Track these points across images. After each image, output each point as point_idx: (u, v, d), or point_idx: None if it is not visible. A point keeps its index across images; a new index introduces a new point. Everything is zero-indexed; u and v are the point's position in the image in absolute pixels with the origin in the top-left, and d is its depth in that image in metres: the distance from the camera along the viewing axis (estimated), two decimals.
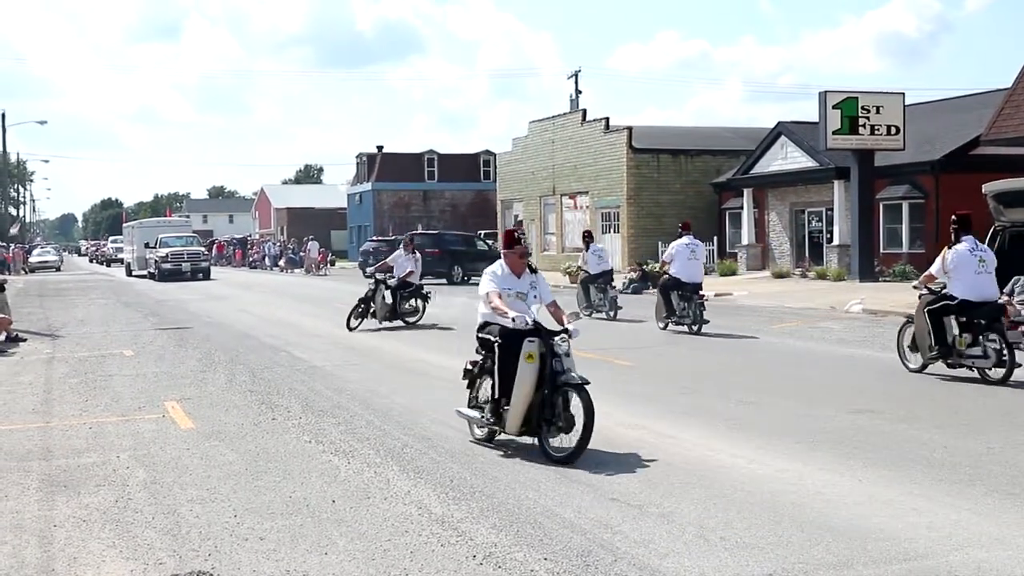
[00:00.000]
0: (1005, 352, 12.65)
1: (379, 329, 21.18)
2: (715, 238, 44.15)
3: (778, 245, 41.33)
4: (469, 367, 9.79)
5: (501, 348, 9.19)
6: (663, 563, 6.17)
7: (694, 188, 46.88)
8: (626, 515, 7.16)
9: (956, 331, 13.09)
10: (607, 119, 49.08)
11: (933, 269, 13.60)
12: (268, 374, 14.74)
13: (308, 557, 6.39)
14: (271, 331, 21.00)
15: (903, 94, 34.40)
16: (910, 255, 34.50)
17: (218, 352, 17.53)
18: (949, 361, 13.25)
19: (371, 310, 21.67)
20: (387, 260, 23.44)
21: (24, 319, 24.25)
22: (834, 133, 33.00)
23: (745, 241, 41.70)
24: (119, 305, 31.12)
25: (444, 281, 32.25)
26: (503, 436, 9.43)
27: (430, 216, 73.48)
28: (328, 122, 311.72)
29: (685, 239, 20.00)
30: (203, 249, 54.73)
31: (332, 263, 62.74)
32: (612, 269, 24.82)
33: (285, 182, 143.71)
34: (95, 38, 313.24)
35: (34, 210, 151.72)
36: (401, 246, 23.59)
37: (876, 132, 33.35)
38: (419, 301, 22.44)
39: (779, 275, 37.03)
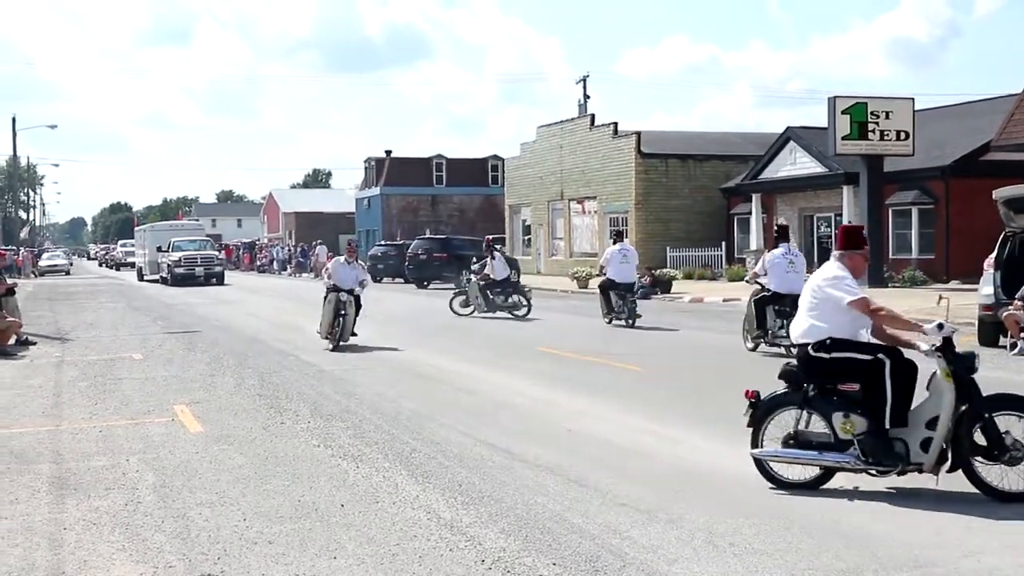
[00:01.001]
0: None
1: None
2: (723, 243, 44.12)
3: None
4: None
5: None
6: (672, 569, 6.16)
7: (703, 193, 46.87)
8: (635, 520, 7.15)
9: (773, 317, 16.54)
10: (615, 124, 49.10)
11: (757, 268, 17.50)
12: (277, 378, 14.77)
13: (317, 561, 6.40)
14: (280, 335, 21.03)
15: (912, 99, 34.36)
16: (919, 261, 34.45)
17: (227, 356, 17.57)
18: (767, 340, 16.71)
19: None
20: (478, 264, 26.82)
21: (34, 323, 24.32)
22: (843, 138, 32.96)
23: (754, 246, 41.62)
24: (128, 309, 31.20)
25: (452, 286, 32.46)
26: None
27: (438, 221, 73.54)
28: (336, 126, 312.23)
29: (781, 248, 17.29)
30: (217, 253, 53.39)
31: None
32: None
33: (294, 186, 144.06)
34: (105, 42, 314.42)
35: (44, 214, 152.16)
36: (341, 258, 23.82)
37: (885, 137, 33.30)
38: (519, 296, 25.76)
39: None
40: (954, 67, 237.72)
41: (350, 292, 18.81)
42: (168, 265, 48.94)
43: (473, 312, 25.86)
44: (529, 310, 25.43)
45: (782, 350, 16.36)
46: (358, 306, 18.97)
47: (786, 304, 16.23)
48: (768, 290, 16.78)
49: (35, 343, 20.22)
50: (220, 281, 48.64)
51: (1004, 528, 6.91)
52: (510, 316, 25.30)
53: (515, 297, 25.78)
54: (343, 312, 18.60)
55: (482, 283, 25.88)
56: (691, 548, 6.54)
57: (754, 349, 17.20)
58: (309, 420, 11.31)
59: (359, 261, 20.73)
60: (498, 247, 28.93)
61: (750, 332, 17.26)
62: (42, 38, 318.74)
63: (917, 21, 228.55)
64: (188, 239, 52.08)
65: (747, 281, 17.89)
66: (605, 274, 22.68)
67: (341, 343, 18.46)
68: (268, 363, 16.56)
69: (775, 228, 17.23)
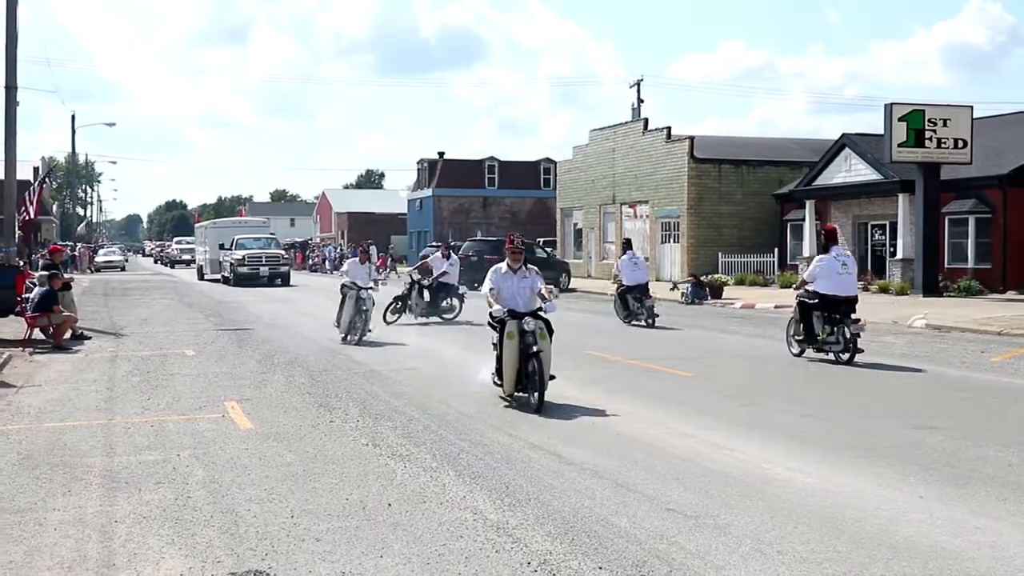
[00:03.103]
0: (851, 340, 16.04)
1: (425, 323, 23.63)
2: (776, 250, 43.78)
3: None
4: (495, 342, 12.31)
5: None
6: (719, 575, 6.12)
7: (756, 199, 46.53)
8: (682, 526, 7.10)
9: (821, 323, 16.53)
10: (669, 128, 48.88)
11: (805, 275, 17.18)
12: (326, 377, 14.85)
13: (363, 559, 6.42)
14: (330, 334, 21.12)
15: (971, 107, 33.89)
16: (975, 270, 33.96)
17: (278, 354, 17.70)
18: (814, 346, 16.69)
19: (408, 306, 24.67)
20: (426, 261, 26.39)
21: (89, 317, 24.69)
22: (899, 146, 32.58)
23: (807, 253, 41.21)
24: (181, 305, 31.56)
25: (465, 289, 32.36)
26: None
27: (489, 223, 73.68)
28: (390, 128, 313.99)
29: (832, 251, 16.80)
30: (283, 252, 49.44)
31: (394, 268, 62.71)
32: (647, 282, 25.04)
33: (347, 187, 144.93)
34: (163, 42, 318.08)
35: (101, 210, 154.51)
36: (439, 252, 26.45)
37: (943, 145, 32.86)
38: (455, 300, 25.26)
39: None
40: (1015, 75, 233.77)
41: (363, 289, 20.00)
42: (231, 264, 46.30)
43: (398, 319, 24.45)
44: (458, 314, 24.91)
45: (831, 356, 16.36)
46: (373, 302, 20.27)
47: (839, 309, 16.17)
48: (816, 295, 16.55)
49: (90, 338, 20.53)
50: (286, 282, 45.70)
51: None
52: (440, 320, 24.73)
53: (449, 301, 25.19)
54: (364, 308, 19.80)
55: (425, 282, 25.08)
56: (738, 555, 6.49)
57: (800, 354, 17.04)
58: (358, 419, 11.37)
59: (450, 257, 24.79)
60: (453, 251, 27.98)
61: (795, 336, 17.14)
62: (102, 38, 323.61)
63: (977, 28, 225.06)
64: (252, 236, 48.84)
65: (795, 288, 17.79)
66: (621, 282, 24.67)
67: (364, 338, 19.52)
68: (318, 362, 16.66)
69: (823, 231, 17.27)
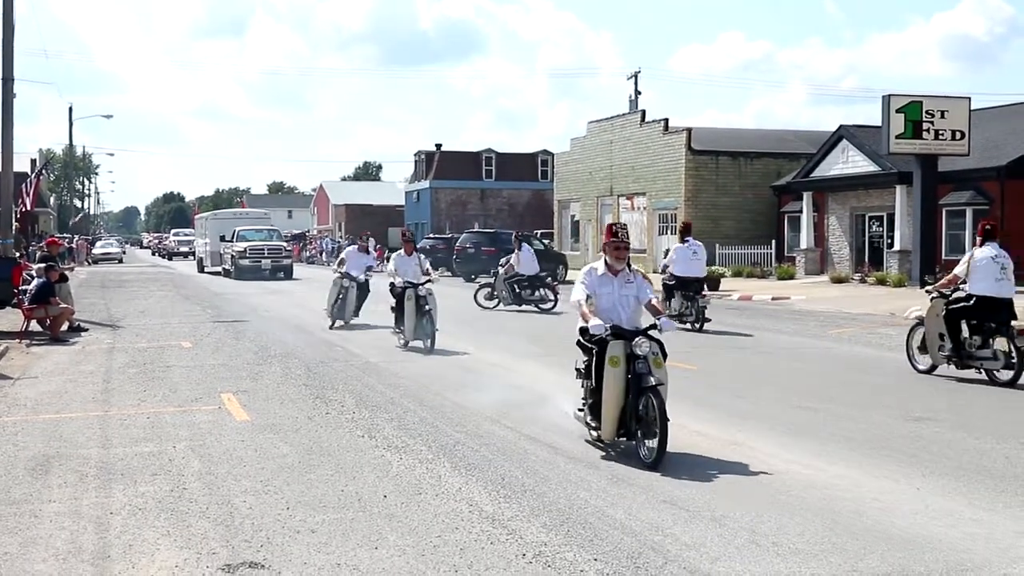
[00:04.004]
0: (1014, 355, 13.13)
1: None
2: (773, 242, 43.76)
3: (837, 249, 40.87)
4: (580, 367, 9.74)
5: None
6: (714, 567, 6.11)
7: (753, 191, 46.50)
8: (677, 518, 7.10)
9: (967, 333, 13.72)
10: (666, 120, 48.83)
11: (958, 270, 14.05)
12: (323, 369, 14.85)
13: (359, 551, 6.42)
14: (327, 326, 21.12)
15: (969, 98, 33.84)
16: None
17: (274, 346, 17.69)
18: (959, 362, 13.76)
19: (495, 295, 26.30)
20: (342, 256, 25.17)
21: (86, 309, 24.67)
22: (897, 137, 32.55)
23: (804, 245, 41.27)
24: (178, 298, 31.53)
25: (554, 280, 32.32)
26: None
27: (487, 215, 73.63)
28: (388, 119, 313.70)
29: (990, 249, 13.82)
30: (285, 244, 48.25)
31: (388, 260, 62.75)
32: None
33: (344, 179, 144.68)
34: (161, 33, 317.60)
35: (98, 202, 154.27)
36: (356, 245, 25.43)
37: (940, 137, 32.84)
38: (546, 290, 26.30)
39: (838, 280, 36.58)
40: (1014, 66, 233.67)
41: (354, 278, 21.19)
42: (232, 256, 45.10)
43: (498, 305, 26.13)
44: (556, 304, 25.72)
45: (983, 374, 13.64)
46: (365, 291, 21.32)
47: (996, 316, 13.49)
48: (970, 298, 13.70)
49: (87, 330, 20.51)
50: (288, 275, 44.48)
51: None
52: (536, 310, 25.59)
53: (541, 291, 26.28)
54: (341, 296, 20.98)
55: (507, 276, 26.13)
56: (734, 547, 6.48)
57: (930, 371, 14.22)
58: (354, 411, 11.36)
59: (370, 252, 24.25)
60: (527, 242, 29.29)
61: (931, 348, 14.10)
62: (100, 30, 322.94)
63: (976, 19, 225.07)
64: (254, 228, 47.88)
65: (928, 290, 14.54)
66: (672, 273, 20.96)
67: (339, 322, 20.87)
68: (315, 353, 16.65)
69: (984, 227, 14.18)
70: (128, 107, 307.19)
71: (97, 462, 8.95)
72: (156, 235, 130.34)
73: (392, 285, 18.00)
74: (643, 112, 51.48)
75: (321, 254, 69.37)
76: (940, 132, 32.79)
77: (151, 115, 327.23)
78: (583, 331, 9.43)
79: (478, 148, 77.65)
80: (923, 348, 14.35)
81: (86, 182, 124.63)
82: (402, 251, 18.59)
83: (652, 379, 8.78)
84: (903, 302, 26.19)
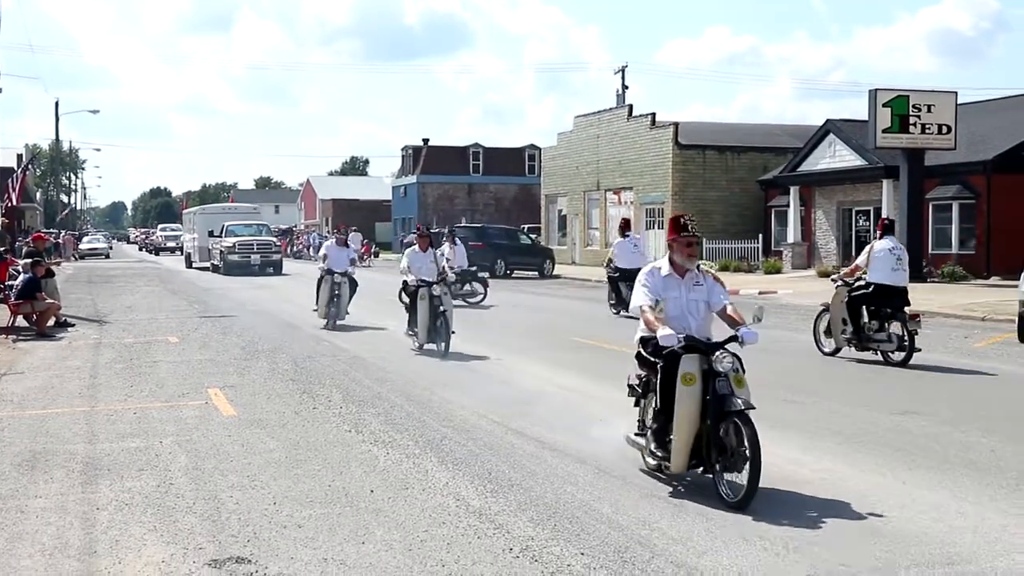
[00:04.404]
0: (906, 338, 14.52)
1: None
2: (760, 236, 43.84)
3: (824, 244, 40.98)
4: (635, 383, 8.41)
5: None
6: (700, 561, 6.12)
7: (740, 185, 46.58)
8: (664, 512, 7.12)
9: (866, 318, 15.00)
10: (653, 115, 48.87)
11: (860, 260, 15.43)
12: (310, 363, 14.82)
13: (345, 546, 6.41)
14: (314, 321, 21.08)
15: (955, 93, 33.95)
16: (959, 256, 34.07)
17: (261, 341, 17.65)
18: (858, 344, 15.09)
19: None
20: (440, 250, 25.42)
21: (73, 305, 24.57)
22: (884, 131, 32.63)
23: (791, 239, 41.37)
24: (165, 293, 31.44)
25: (487, 274, 32.44)
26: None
27: (474, 209, 73.60)
28: (375, 114, 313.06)
29: (888, 241, 15.29)
30: (275, 239, 47.51)
31: (376, 255, 62.87)
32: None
33: (331, 173, 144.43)
34: (147, 28, 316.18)
35: (85, 198, 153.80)
36: (444, 240, 26.79)
37: (927, 131, 32.93)
38: (476, 284, 26.37)
39: (824, 274, 36.59)
40: (1000, 61, 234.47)
41: (343, 274, 20.27)
42: (221, 252, 44.30)
43: None
44: (485, 297, 25.83)
45: (878, 356, 14.90)
46: (354, 285, 20.62)
47: (892, 302, 14.77)
48: (869, 285, 15.01)
49: (73, 325, 20.43)
50: (278, 271, 43.75)
51: None
52: (465, 304, 25.27)
53: (472, 285, 26.43)
54: (337, 293, 20.01)
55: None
56: (721, 540, 6.50)
57: (833, 353, 15.61)
58: (341, 406, 11.35)
59: (350, 245, 22.83)
60: (461, 235, 29.63)
61: (835, 332, 15.45)
62: (85, 24, 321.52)
63: (962, 14, 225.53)
64: (243, 223, 47.03)
65: (833, 279, 16.19)
66: (615, 266, 23.07)
67: (338, 321, 19.92)
68: (302, 348, 16.63)
69: (884, 221, 15.86)
70: (115, 102, 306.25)
71: (84, 458, 8.92)
72: (143, 230, 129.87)
73: (405, 284, 16.90)
74: (630, 106, 51.50)
75: (309, 249, 69.21)
76: (926, 126, 32.89)
77: (138, 110, 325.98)
78: (645, 342, 8.01)
79: (465, 143, 77.67)
80: (828, 332, 15.69)
81: (72, 177, 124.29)
82: (416, 247, 17.19)
83: (738, 401, 7.37)
84: None
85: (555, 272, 43.09)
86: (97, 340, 18.10)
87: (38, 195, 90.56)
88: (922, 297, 25.50)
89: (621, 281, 22.22)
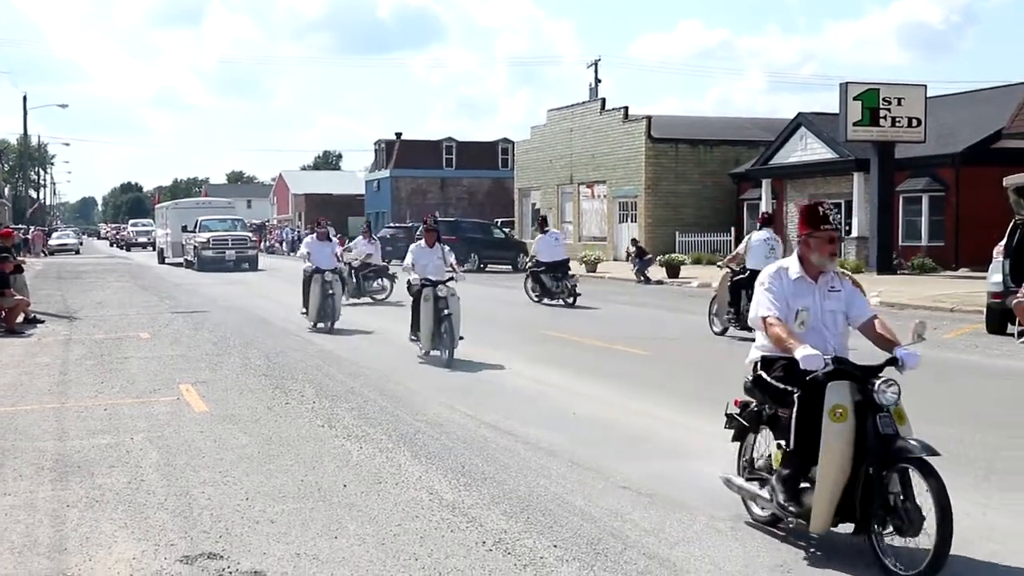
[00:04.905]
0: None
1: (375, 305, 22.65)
2: (732, 229, 44.01)
3: (796, 236, 41.15)
4: (736, 412, 6.76)
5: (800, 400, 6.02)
6: (672, 552, 6.15)
7: (713, 179, 46.75)
8: (637, 504, 7.14)
9: (745, 300, 16.13)
10: (626, 108, 48.97)
11: (740, 248, 17.96)
12: (282, 358, 14.77)
13: (318, 541, 6.40)
14: (287, 315, 21.02)
15: (925, 86, 34.21)
16: (929, 248, 34.34)
17: (233, 336, 17.58)
18: (738, 324, 16.82)
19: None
20: (348, 245, 26.07)
21: (42, 301, 24.39)
22: (854, 125, 32.84)
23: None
24: (137, 288, 31.24)
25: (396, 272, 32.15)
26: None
27: (447, 203, 73.50)
28: (347, 108, 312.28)
29: (764, 232, 17.64)
30: (250, 234, 46.52)
31: (349, 250, 62.50)
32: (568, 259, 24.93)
33: (304, 168, 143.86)
34: (118, 22, 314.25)
35: (54, 193, 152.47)
36: (360, 234, 26.75)
37: (897, 124, 33.16)
38: (386, 280, 25.63)
39: None
40: (970, 54, 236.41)
41: (334, 271, 18.92)
42: (195, 247, 43.50)
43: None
44: (390, 294, 25.40)
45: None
46: (344, 283, 20.20)
47: (750, 285, 15.75)
48: (746, 271, 17.01)
49: (43, 321, 20.26)
50: (253, 267, 42.96)
51: (1007, 515, 6.91)
52: (371, 301, 25.08)
53: (381, 281, 25.88)
54: (331, 292, 18.33)
55: (356, 265, 25.19)
56: (693, 531, 6.53)
57: (722, 332, 17.50)
58: (314, 400, 11.32)
59: (374, 239, 23.78)
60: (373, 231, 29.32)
61: (720, 313, 17.65)
62: (55, 17, 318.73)
63: (932, 8, 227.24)
64: (217, 218, 46.29)
65: (719, 265, 18.92)
66: (537, 260, 24.56)
67: (335, 324, 18.34)
68: (275, 343, 16.57)
69: (763, 215, 18.91)
70: (84, 96, 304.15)
71: (53, 455, 8.86)
72: (114, 226, 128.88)
73: (408, 283, 15.16)
74: (603, 100, 51.59)
75: (281, 244, 68.98)
76: (896, 119, 33.12)
77: (108, 104, 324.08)
78: (769, 363, 6.39)
79: (438, 137, 77.55)
80: (718, 314, 17.69)
81: (41, 172, 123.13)
82: (422, 241, 15.23)
83: (914, 444, 5.76)
84: None
85: (530, 264, 43.01)
86: (67, 336, 17.97)
87: (6, 190, 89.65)
88: (892, 289, 25.71)
89: (544, 274, 24.23)
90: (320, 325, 18.43)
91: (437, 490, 7.54)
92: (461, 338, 14.15)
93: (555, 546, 6.26)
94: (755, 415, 6.56)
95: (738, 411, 6.69)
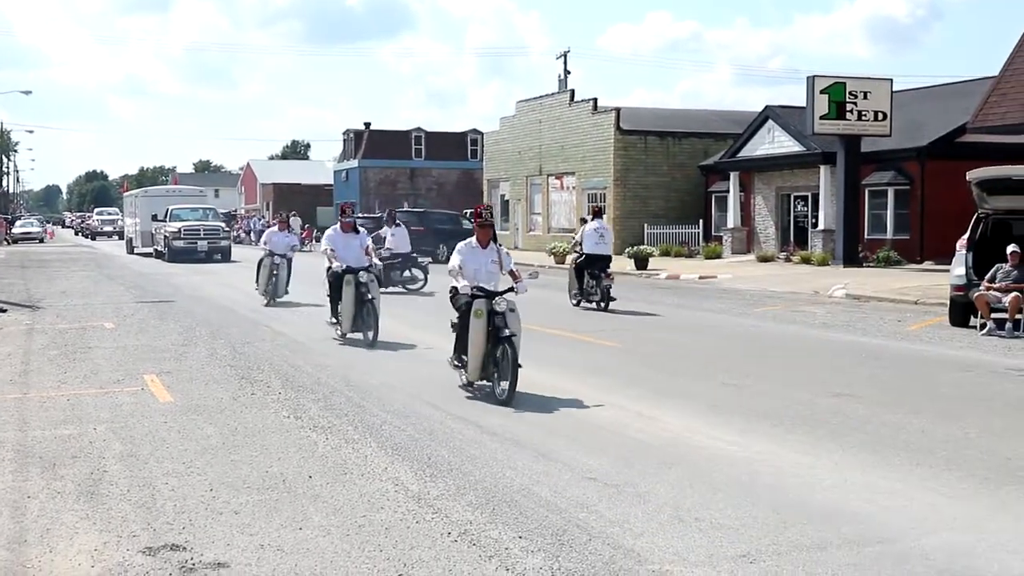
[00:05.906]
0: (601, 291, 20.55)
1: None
2: (701, 221, 44.15)
3: (763, 229, 41.38)
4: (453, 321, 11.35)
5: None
6: (637, 543, 6.17)
7: (681, 171, 46.85)
8: (602, 495, 7.16)
9: (587, 279, 20.84)
10: (595, 100, 48.96)
11: (578, 236, 21.88)
12: (249, 349, 14.70)
13: (282, 532, 6.37)
14: (254, 305, 20.93)
15: (891, 80, 34.41)
16: (895, 241, 34.58)
17: (200, 326, 17.47)
18: (582, 298, 20.95)
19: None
20: (377, 235, 26.16)
21: (4, 290, 24.15)
22: (821, 118, 32.99)
23: (731, 224, 41.72)
24: (102, 278, 30.98)
25: (429, 259, 32.31)
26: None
27: (416, 194, 73.29)
28: (316, 98, 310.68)
29: (595, 223, 21.47)
30: (222, 224, 45.42)
31: (317, 239, 62.35)
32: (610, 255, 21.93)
33: (272, 157, 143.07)
34: (84, 8, 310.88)
35: (18, 181, 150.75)
36: (384, 223, 27.61)
37: (863, 118, 33.35)
38: (417, 270, 26.31)
39: (764, 259, 37.09)
40: (935, 49, 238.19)
41: (283, 256, 21.86)
42: (165, 237, 42.32)
43: None
44: (425, 283, 25.66)
45: (593, 305, 20.69)
46: (289, 268, 21.95)
47: (596, 268, 20.72)
48: (582, 255, 21.02)
49: (5, 311, 20.06)
50: (226, 258, 41.91)
51: (967, 505, 6.96)
52: (404, 291, 25.13)
53: (412, 271, 26.18)
54: (370, 296, 15.71)
55: (385, 255, 24.59)
56: (657, 523, 6.55)
57: (577, 305, 21.07)
58: (280, 391, 11.27)
59: (290, 230, 24.22)
60: (401, 219, 28.91)
61: (571, 290, 21.44)
62: (20, 3, 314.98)
63: (899, 2, 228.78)
64: (189, 207, 45.18)
65: (570, 250, 23.09)
66: (582, 251, 21.45)
67: (277, 299, 21.40)
68: (241, 334, 16.48)
69: (594, 208, 23.24)
70: (49, 83, 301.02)
71: (14, 445, 8.77)
72: (79, 214, 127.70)
73: (453, 292, 11.92)
74: (572, 92, 51.56)
75: (249, 234, 68.57)
76: (863, 113, 33.31)
77: (73, 91, 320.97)
78: (455, 291, 10.44)
79: (407, 127, 77.24)
80: (571, 292, 21.32)
81: (4, 160, 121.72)
82: (338, 226, 15.84)
83: (507, 331, 10.99)
84: (827, 280, 26.63)
85: (418, 257, 42.75)
86: (29, 326, 17.79)
87: None
88: (857, 281, 25.91)
89: (587, 268, 21.71)
90: (356, 336, 15.52)
91: (403, 481, 7.53)
92: (286, 292, 15.18)
93: (520, 537, 6.26)
94: (456, 324, 11.16)
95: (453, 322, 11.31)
